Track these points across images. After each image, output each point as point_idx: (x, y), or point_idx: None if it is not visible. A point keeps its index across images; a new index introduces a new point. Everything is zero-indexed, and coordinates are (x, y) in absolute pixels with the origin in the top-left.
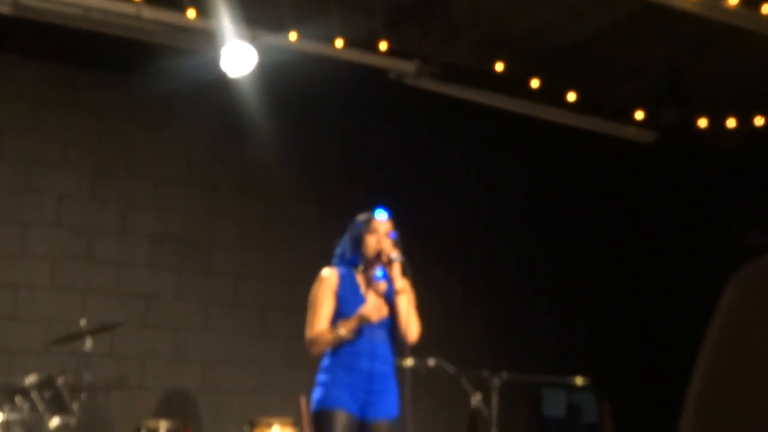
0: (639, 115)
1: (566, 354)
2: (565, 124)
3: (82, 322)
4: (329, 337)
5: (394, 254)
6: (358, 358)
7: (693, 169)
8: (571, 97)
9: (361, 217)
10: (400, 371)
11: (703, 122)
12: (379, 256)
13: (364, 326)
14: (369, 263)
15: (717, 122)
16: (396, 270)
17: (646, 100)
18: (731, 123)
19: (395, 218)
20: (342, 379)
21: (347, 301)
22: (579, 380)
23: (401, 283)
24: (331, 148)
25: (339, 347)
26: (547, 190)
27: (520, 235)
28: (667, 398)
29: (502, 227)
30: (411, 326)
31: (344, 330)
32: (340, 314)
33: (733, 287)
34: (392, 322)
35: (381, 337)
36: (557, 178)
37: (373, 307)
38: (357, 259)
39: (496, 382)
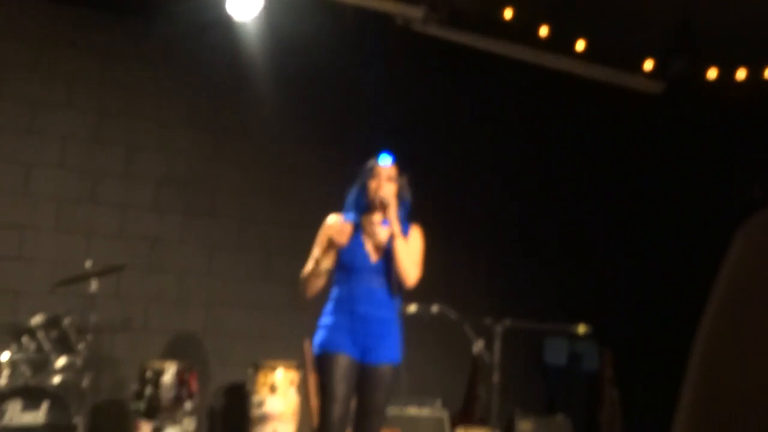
0: (648, 64)
1: (568, 303)
2: (573, 72)
3: (87, 264)
4: (310, 272)
5: (386, 198)
6: (356, 303)
7: (701, 120)
8: (580, 45)
9: (369, 163)
10: (402, 317)
11: (712, 73)
12: (381, 204)
13: (363, 272)
14: (372, 209)
15: (726, 73)
16: (391, 214)
17: (656, 49)
18: (741, 74)
19: (401, 164)
20: (342, 324)
21: (349, 245)
22: (581, 328)
23: (395, 228)
24: (336, 93)
25: (339, 293)
26: (553, 140)
27: (524, 183)
28: (668, 346)
29: (506, 175)
30: (408, 271)
31: (319, 257)
32: (340, 261)
33: (741, 238)
34: (391, 268)
35: (380, 283)
36: (564, 127)
37: (336, 230)
38: (362, 206)
39: (498, 329)
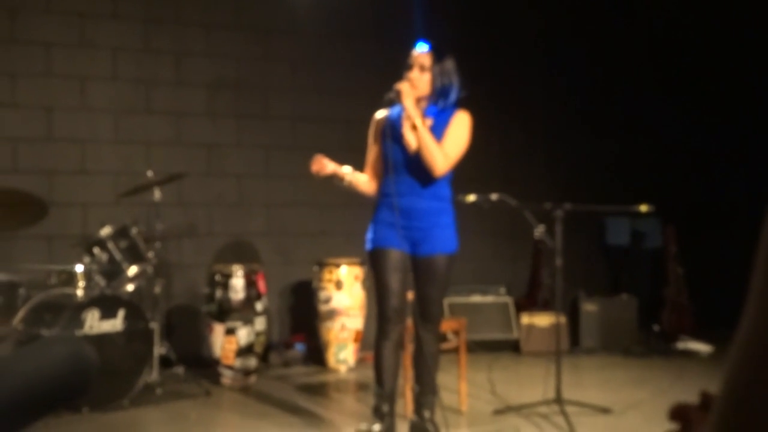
0: None
1: (628, 183)
2: None
3: (149, 174)
4: (351, 182)
5: (398, 87)
6: (399, 196)
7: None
8: None
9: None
10: (460, 206)
11: None
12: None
13: (403, 164)
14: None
15: None
16: (408, 106)
17: None
18: None
19: (452, 51)
20: (389, 218)
21: (390, 138)
22: (643, 207)
23: (413, 118)
24: None
25: (383, 187)
26: (606, 18)
27: (580, 63)
28: (731, 220)
29: (563, 56)
30: (432, 161)
31: (340, 175)
32: (382, 155)
33: None
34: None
35: (422, 173)
36: (617, 3)
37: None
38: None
39: (559, 213)
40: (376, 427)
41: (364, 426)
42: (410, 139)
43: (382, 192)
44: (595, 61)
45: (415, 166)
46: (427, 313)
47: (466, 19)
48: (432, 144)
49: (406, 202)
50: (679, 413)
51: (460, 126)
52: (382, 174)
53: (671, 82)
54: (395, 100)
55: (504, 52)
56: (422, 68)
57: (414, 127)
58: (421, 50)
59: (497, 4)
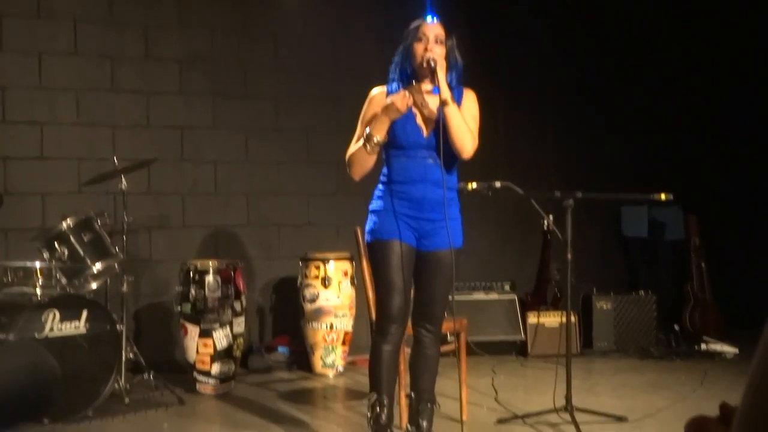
0: None
1: (644, 172)
2: None
3: (115, 160)
4: (360, 147)
5: (434, 59)
6: (409, 183)
7: None
8: None
9: (413, 24)
10: (461, 195)
11: None
12: (428, 67)
13: (414, 148)
14: (421, 76)
15: None
16: (441, 79)
17: None
18: None
19: (453, 26)
20: (394, 207)
21: (396, 120)
22: (663, 195)
23: (446, 93)
24: None
25: (389, 173)
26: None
27: (594, 45)
28: (757, 209)
29: (575, 37)
30: (464, 141)
31: (373, 130)
32: (391, 134)
33: None
34: (446, 142)
35: (434, 159)
36: None
37: (397, 96)
38: (409, 74)
39: (569, 202)
40: None
41: None
42: (422, 122)
43: (387, 178)
44: (611, 40)
45: (428, 150)
46: (430, 314)
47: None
48: (464, 123)
49: (418, 190)
50: (696, 427)
51: (474, 105)
52: (384, 158)
53: (696, 61)
54: (433, 70)
55: (509, 28)
56: (437, 40)
57: (444, 104)
58: (433, 22)
59: None
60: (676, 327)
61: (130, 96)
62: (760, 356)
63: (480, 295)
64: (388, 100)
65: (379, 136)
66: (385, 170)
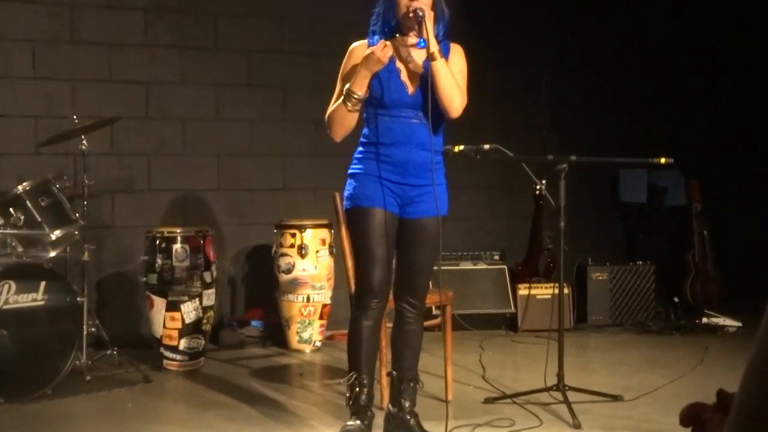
0: None
1: (643, 135)
2: None
3: (75, 118)
4: (340, 104)
5: (421, 10)
6: (393, 145)
7: None
8: None
9: None
10: (446, 158)
11: None
12: (415, 17)
13: (398, 107)
14: (405, 28)
15: None
16: (428, 30)
17: None
18: None
19: None
20: (376, 171)
21: (379, 75)
22: (663, 159)
23: (434, 46)
24: None
25: (370, 134)
26: None
27: (586, 11)
28: (764, 174)
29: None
30: (452, 98)
31: (352, 85)
32: (373, 91)
33: None
34: (434, 100)
35: (420, 118)
36: None
37: (377, 46)
38: (393, 27)
39: (563, 166)
40: (355, 424)
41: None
42: (407, 78)
43: (368, 139)
44: (607, 6)
45: (413, 108)
46: (413, 286)
47: None
48: (452, 78)
49: (402, 153)
50: (692, 416)
51: (462, 60)
52: (365, 117)
53: (692, 30)
54: (421, 21)
55: None
56: None
57: (432, 57)
58: None
59: None
60: (676, 299)
61: (91, 48)
62: (761, 338)
63: (467, 265)
64: (368, 51)
65: (360, 92)
66: (366, 131)
